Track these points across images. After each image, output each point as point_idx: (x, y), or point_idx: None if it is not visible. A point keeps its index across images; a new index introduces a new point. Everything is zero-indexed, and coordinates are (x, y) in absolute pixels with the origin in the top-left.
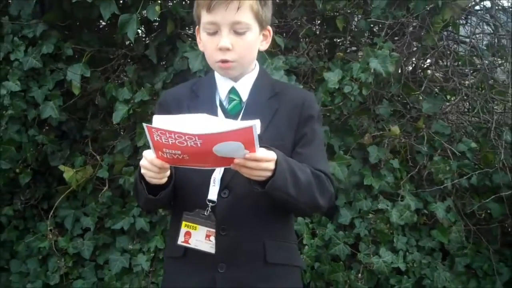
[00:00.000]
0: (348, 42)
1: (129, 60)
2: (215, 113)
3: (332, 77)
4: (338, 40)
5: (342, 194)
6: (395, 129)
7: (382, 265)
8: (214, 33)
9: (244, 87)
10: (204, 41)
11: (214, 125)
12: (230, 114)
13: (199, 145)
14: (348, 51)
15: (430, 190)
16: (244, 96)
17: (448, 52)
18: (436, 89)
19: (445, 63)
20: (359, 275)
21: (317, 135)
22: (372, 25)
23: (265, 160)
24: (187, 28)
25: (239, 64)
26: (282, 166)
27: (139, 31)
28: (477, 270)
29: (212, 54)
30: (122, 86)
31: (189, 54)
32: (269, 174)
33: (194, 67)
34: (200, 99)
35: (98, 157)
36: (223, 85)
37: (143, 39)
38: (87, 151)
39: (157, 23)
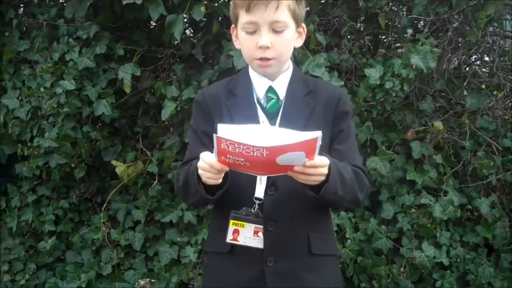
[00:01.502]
0: (391, 39)
1: (177, 59)
2: (255, 112)
3: (374, 73)
4: (381, 37)
5: (385, 189)
6: (439, 124)
7: (425, 259)
8: (253, 32)
9: (281, 86)
10: (243, 39)
11: (277, 136)
12: (269, 112)
13: (264, 155)
14: (392, 47)
15: (475, 186)
16: (281, 95)
17: (494, 48)
18: (482, 86)
19: (490, 59)
20: (402, 269)
21: (352, 130)
22: (415, 21)
23: (321, 166)
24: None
25: (278, 61)
26: (333, 169)
27: (186, 31)
28: None
29: (251, 52)
30: (170, 84)
31: (234, 52)
32: (323, 178)
33: (239, 65)
34: (238, 98)
35: (148, 152)
36: (260, 84)
37: (190, 38)
38: (138, 147)
39: (203, 23)
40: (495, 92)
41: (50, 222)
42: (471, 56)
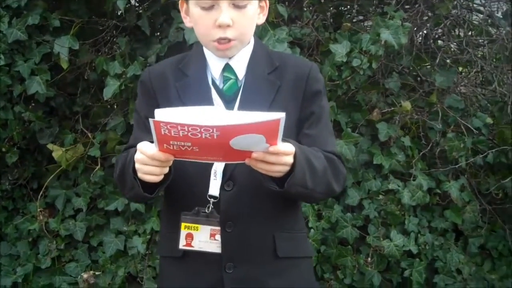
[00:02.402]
0: (355, 11)
1: (120, 32)
2: (208, 95)
3: (340, 50)
4: (344, 9)
5: (350, 173)
6: (407, 104)
7: (394, 249)
8: (210, 7)
9: (240, 64)
10: (197, 17)
11: (231, 116)
12: (226, 95)
13: (215, 137)
14: (355, 20)
15: (444, 170)
16: (241, 74)
17: (462, 22)
18: (448, 61)
19: (458, 33)
20: (369, 259)
21: (324, 112)
22: None
23: (286, 153)
24: None
25: (240, 42)
26: (300, 158)
27: (131, 0)
28: (491, 251)
29: (208, 32)
30: (113, 60)
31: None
32: (287, 168)
33: (191, 39)
34: (190, 78)
35: (89, 134)
36: (215, 62)
37: (135, 8)
38: (78, 128)
39: None
40: (461, 69)
41: None
42: (437, 30)
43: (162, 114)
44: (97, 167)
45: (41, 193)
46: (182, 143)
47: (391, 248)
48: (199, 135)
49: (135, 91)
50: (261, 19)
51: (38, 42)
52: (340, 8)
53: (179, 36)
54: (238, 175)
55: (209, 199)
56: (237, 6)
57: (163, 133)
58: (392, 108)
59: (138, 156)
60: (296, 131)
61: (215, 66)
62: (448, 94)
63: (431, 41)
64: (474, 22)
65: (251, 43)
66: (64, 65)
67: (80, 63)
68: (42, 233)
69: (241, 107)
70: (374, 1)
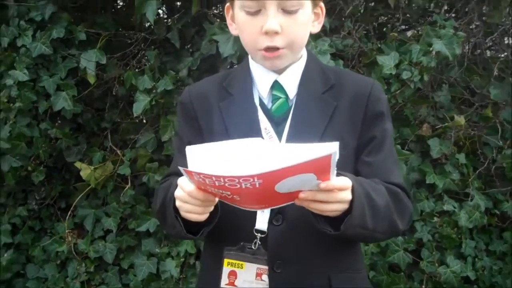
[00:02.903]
0: (400, 20)
1: (150, 45)
2: (254, 116)
3: (388, 61)
4: (385, 18)
5: None
6: (460, 119)
7: (451, 275)
8: (257, 12)
9: (291, 81)
10: (242, 23)
11: (272, 154)
12: (275, 116)
13: (257, 185)
14: (398, 30)
15: (505, 189)
16: (292, 92)
17: None
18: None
19: (507, 43)
20: (423, 286)
21: (388, 136)
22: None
23: (342, 189)
24: (214, 7)
25: (290, 51)
26: (359, 193)
27: (160, 11)
28: None
29: (254, 39)
30: (142, 74)
31: (219, 37)
32: (345, 206)
33: (225, 52)
34: (235, 98)
35: (118, 151)
36: (263, 79)
37: (165, 20)
38: (107, 145)
39: (180, 2)
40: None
41: (6, 232)
42: (486, 40)
43: (194, 153)
44: (127, 186)
45: (69, 213)
46: (221, 191)
47: (448, 274)
48: (238, 185)
49: (166, 106)
50: (316, 27)
51: (64, 56)
52: (381, 18)
53: (212, 48)
54: (288, 208)
55: (256, 234)
56: (287, 11)
57: (197, 179)
58: (446, 124)
59: (178, 193)
60: (354, 160)
61: (262, 83)
62: (503, 107)
63: (481, 51)
64: None
65: (303, 58)
66: (91, 80)
67: (107, 77)
68: (70, 255)
69: (291, 130)
70: (420, 11)
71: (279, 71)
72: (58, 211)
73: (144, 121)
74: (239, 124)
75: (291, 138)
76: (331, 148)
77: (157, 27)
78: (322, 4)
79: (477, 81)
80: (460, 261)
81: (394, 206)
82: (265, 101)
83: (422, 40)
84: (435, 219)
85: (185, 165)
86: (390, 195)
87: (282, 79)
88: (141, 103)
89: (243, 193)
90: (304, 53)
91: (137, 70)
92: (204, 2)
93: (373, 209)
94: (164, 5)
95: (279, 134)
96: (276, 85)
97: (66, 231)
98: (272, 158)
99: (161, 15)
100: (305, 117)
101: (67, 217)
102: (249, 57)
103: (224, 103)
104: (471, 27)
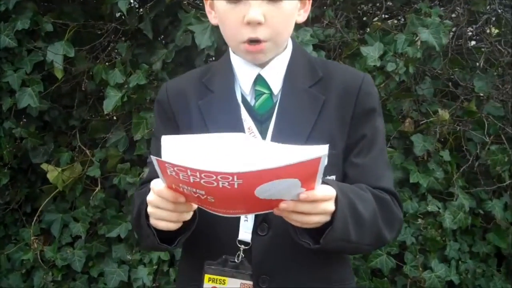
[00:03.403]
0: (383, 8)
1: (120, 36)
2: (237, 114)
3: (372, 52)
4: (366, 7)
5: None
6: (444, 113)
7: (435, 280)
8: (238, 0)
9: (275, 74)
10: (222, 12)
11: (257, 152)
12: (259, 113)
13: (236, 186)
14: (376, 19)
15: (491, 188)
16: (276, 87)
17: (499, 19)
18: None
19: (492, 32)
20: None
21: (379, 135)
22: None
23: (325, 199)
24: None
25: (274, 43)
26: (342, 204)
27: (131, 0)
28: None
29: (235, 31)
30: (113, 68)
31: (195, 27)
32: (327, 218)
33: (202, 43)
34: (215, 95)
35: (87, 151)
36: (245, 73)
37: (137, 10)
38: (75, 144)
39: None
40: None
41: None
42: (468, 29)
43: (170, 143)
44: (97, 189)
45: (35, 218)
46: (194, 190)
47: (432, 279)
48: (215, 184)
49: (139, 102)
50: (302, 16)
51: (29, 49)
52: (361, 6)
53: (188, 40)
54: (274, 216)
55: (239, 245)
56: (271, 0)
57: (169, 173)
58: (431, 119)
59: (149, 197)
60: (343, 160)
61: (244, 78)
62: (486, 101)
63: (465, 41)
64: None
65: (288, 49)
66: (59, 75)
67: (76, 72)
68: (36, 263)
69: (276, 129)
70: None
71: (262, 65)
72: (23, 216)
73: (115, 118)
74: (220, 124)
75: (276, 138)
76: (322, 150)
77: (129, 17)
78: None
79: (460, 73)
80: (444, 265)
81: (382, 215)
82: (248, 98)
83: (407, 29)
84: (419, 220)
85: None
86: (377, 203)
87: (266, 73)
88: (112, 99)
89: (219, 193)
90: (289, 44)
91: (107, 63)
92: None
93: (357, 220)
94: None
95: (263, 134)
96: (259, 80)
97: (32, 237)
98: (256, 157)
99: (133, 4)
100: (291, 114)
101: (32, 222)
102: (230, 50)
103: (203, 101)
104: (453, 15)
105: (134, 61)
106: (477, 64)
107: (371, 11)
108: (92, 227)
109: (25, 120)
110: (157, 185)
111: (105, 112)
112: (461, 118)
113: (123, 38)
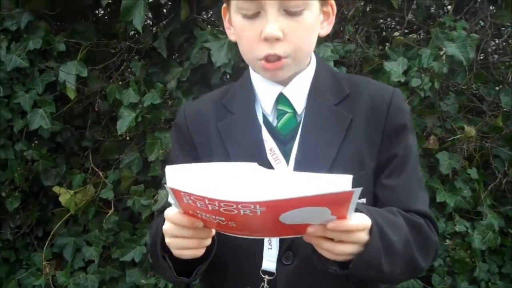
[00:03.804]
0: (405, 22)
1: (134, 55)
2: (258, 135)
3: (395, 68)
4: (385, 21)
5: None
6: (470, 129)
7: None
8: (255, 15)
9: (298, 92)
10: (239, 27)
11: (279, 181)
12: (281, 134)
13: (258, 213)
14: (396, 34)
15: None
16: (300, 106)
17: None
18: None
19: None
20: None
21: (411, 154)
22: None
23: (359, 229)
24: (204, 12)
25: (294, 60)
26: (375, 233)
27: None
28: None
29: (252, 47)
30: (127, 87)
31: (211, 44)
32: (360, 249)
33: (218, 61)
34: (235, 116)
35: (100, 173)
36: (266, 92)
37: (151, 27)
38: (88, 166)
39: (167, 7)
40: None
41: None
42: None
43: (177, 172)
44: (110, 211)
45: (47, 242)
46: (213, 216)
47: None
48: (236, 212)
49: (153, 122)
50: (325, 29)
51: (41, 69)
52: (381, 20)
53: (204, 57)
54: (299, 244)
55: (263, 275)
56: (290, 13)
57: (185, 201)
58: (458, 136)
59: (165, 226)
60: (373, 181)
61: (266, 97)
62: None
63: (490, 55)
64: None
65: (312, 65)
66: (71, 95)
67: (89, 92)
68: None
69: (300, 150)
70: (425, 12)
71: (284, 82)
72: (35, 240)
73: (128, 138)
74: (240, 145)
75: (300, 159)
76: (346, 181)
77: (143, 35)
78: (332, 1)
79: (485, 88)
80: (473, 287)
81: (415, 242)
82: (270, 118)
83: (431, 43)
84: (447, 241)
85: None
86: (410, 228)
87: (288, 91)
88: (125, 120)
89: (241, 220)
90: (312, 59)
91: (121, 83)
92: (193, 7)
93: (390, 249)
94: (150, 11)
95: (286, 155)
96: (281, 99)
97: (44, 262)
98: (276, 186)
99: (147, 22)
100: (316, 134)
101: (44, 247)
102: (250, 68)
103: (223, 123)
104: (476, 28)
105: (148, 80)
106: (502, 78)
107: (391, 26)
108: (105, 251)
109: (36, 142)
110: (172, 213)
111: (119, 133)
112: (487, 134)
113: (136, 57)
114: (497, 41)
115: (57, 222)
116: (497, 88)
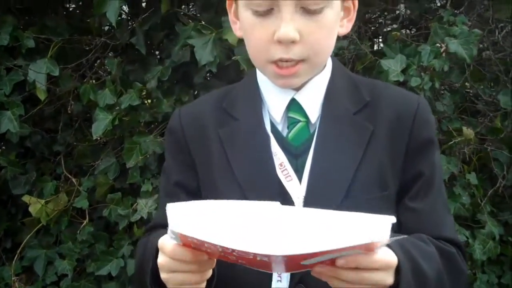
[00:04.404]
0: (401, 17)
1: (110, 52)
2: (266, 147)
3: (393, 66)
4: (373, 16)
5: None
6: (469, 132)
7: None
8: (267, 12)
9: (313, 98)
10: (248, 25)
11: (301, 225)
12: (293, 146)
13: (278, 259)
14: (388, 29)
15: None
16: (314, 114)
17: None
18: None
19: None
20: None
21: (437, 173)
22: None
23: (385, 268)
24: (184, 6)
25: (311, 65)
26: (405, 268)
27: (122, 11)
28: None
29: (263, 49)
30: (102, 87)
31: (195, 41)
32: None
33: (203, 59)
34: (240, 123)
35: (74, 180)
36: (276, 97)
37: (128, 22)
38: (60, 172)
39: (145, 0)
40: None
41: None
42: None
43: (180, 213)
44: (85, 221)
45: (16, 254)
46: (222, 254)
47: None
48: (251, 257)
49: (131, 125)
50: (345, 27)
51: (8, 68)
52: (373, 15)
53: (186, 55)
54: (311, 276)
55: None
56: (308, 11)
57: (193, 246)
58: (458, 139)
59: (161, 260)
60: (396, 202)
61: (275, 103)
62: (509, 117)
63: (488, 51)
64: None
65: (327, 68)
66: (41, 96)
67: (61, 92)
68: None
69: (315, 166)
70: (423, 5)
71: (297, 87)
72: (3, 253)
73: (104, 142)
74: (246, 159)
75: (315, 177)
76: (386, 224)
77: (119, 30)
78: None
79: (481, 86)
80: None
81: (447, 273)
82: (279, 127)
83: (431, 39)
84: None
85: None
86: (442, 259)
87: (301, 97)
88: (101, 123)
89: (254, 263)
90: (328, 62)
91: (95, 82)
92: (174, 0)
93: (421, 282)
94: (127, 4)
95: (299, 171)
96: (293, 105)
97: (13, 277)
98: (304, 231)
99: (124, 16)
100: (333, 147)
101: (13, 260)
102: (256, 70)
103: (225, 130)
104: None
105: (125, 79)
106: (499, 76)
107: (381, 20)
108: (79, 264)
109: (4, 147)
110: (168, 245)
111: (94, 137)
112: (485, 136)
113: (112, 54)
114: (492, 38)
115: (27, 233)
116: (490, 86)
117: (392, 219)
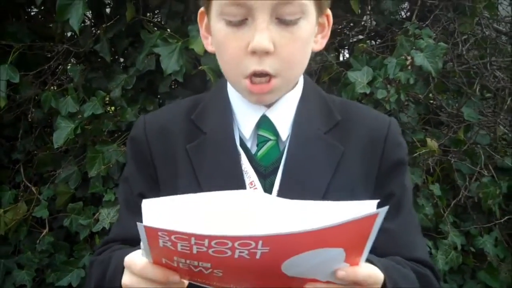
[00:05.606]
0: (367, 29)
1: (72, 59)
2: (237, 164)
3: (360, 78)
4: (339, 27)
5: None
6: (433, 143)
7: None
8: (242, 22)
9: (284, 116)
10: (221, 37)
11: (285, 213)
12: (261, 165)
13: (258, 256)
14: (353, 40)
15: (486, 226)
16: (284, 132)
17: (485, 41)
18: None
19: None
20: None
21: (407, 194)
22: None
23: (369, 284)
24: (150, 13)
25: (284, 80)
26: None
27: (86, 18)
28: None
29: (237, 61)
30: (64, 95)
31: (161, 49)
32: None
33: (169, 68)
34: (209, 137)
35: (33, 189)
36: (246, 112)
37: (92, 29)
38: (19, 181)
39: (110, 7)
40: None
41: None
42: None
43: (155, 209)
44: (45, 231)
45: None
46: (196, 263)
47: None
48: (229, 253)
49: (94, 134)
50: (319, 43)
51: None
52: (340, 26)
53: (151, 63)
54: None
55: None
56: (283, 22)
57: (162, 245)
58: (423, 151)
59: (127, 280)
60: None
61: (245, 118)
62: (472, 129)
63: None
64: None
65: (299, 85)
66: (1, 103)
67: (21, 99)
68: None
69: (284, 186)
70: (388, 18)
71: (268, 103)
72: None
73: (66, 150)
74: (216, 176)
75: (283, 196)
76: (371, 207)
77: (83, 37)
78: (329, 11)
79: (445, 98)
80: None
81: None
82: (248, 144)
83: (397, 52)
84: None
85: (129, 226)
86: (421, 281)
87: (273, 114)
88: (63, 131)
89: (232, 265)
90: (300, 79)
91: (57, 89)
92: (139, 7)
93: None
94: (91, 11)
95: (267, 191)
96: (263, 122)
97: None
98: (286, 216)
99: (87, 23)
100: (302, 167)
101: None
102: (227, 82)
103: (193, 145)
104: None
105: (88, 87)
106: (462, 88)
107: (347, 31)
108: (38, 274)
109: None
110: (136, 263)
111: (55, 146)
112: (448, 147)
113: (75, 61)
114: (456, 51)
115: None
116: (453, 97)
117: (375, 202)
